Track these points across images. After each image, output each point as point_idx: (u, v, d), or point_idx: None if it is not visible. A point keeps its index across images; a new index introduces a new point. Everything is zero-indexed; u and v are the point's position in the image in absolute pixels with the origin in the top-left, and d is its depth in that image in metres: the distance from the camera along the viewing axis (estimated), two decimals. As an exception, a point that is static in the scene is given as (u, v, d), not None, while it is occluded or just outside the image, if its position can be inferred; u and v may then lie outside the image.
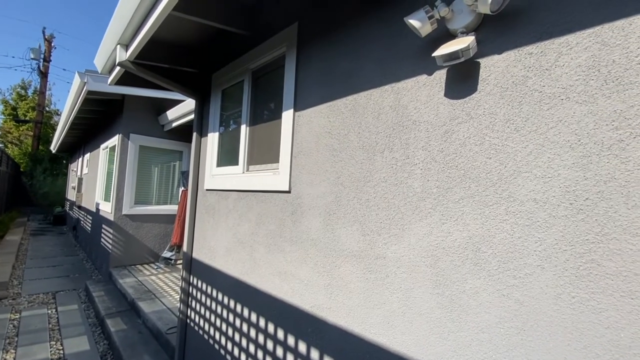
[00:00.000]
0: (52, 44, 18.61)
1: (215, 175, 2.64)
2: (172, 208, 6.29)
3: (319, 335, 1.56)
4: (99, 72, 3.06)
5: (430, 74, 1.24)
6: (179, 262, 6.08)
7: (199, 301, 2.65)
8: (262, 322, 1.94)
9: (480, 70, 1.11)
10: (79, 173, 10.16)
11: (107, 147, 6.70)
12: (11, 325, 3.84)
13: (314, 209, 1.68)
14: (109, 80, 3.00)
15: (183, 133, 6.29)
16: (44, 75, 18.08)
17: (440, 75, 1.21)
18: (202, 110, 2.93)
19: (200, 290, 2.65)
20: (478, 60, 1.12)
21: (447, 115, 1.17)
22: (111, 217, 5.64)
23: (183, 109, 5.31)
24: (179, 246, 6.02)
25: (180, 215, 6.00)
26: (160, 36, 2.48)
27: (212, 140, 2.73)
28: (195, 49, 2.92)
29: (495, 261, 1.01)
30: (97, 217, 6.83)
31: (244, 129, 2.37)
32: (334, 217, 1.56)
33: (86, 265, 6.74)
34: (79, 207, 9.11)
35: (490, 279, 1.01)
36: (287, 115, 1.91)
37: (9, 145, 19.33)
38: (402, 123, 1.31)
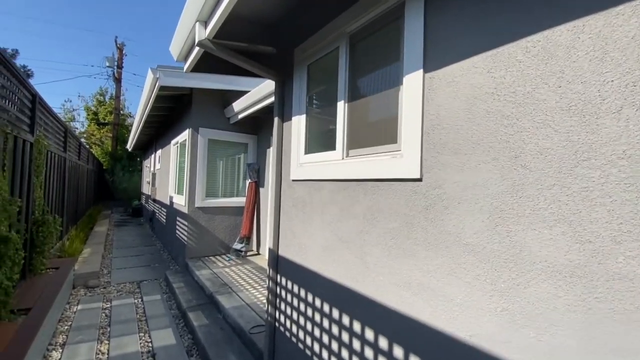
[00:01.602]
0: (124, 52, 20.28)
1: (303, 164, 2.31)
2: (239, 200, 6.27)
3: (487, 377, 1.12)
4: (175, 59, 2.91)
5: None
6: (249, 253, 6.06)
7: (290, 304, 2.37)
8: (383, 343, 1.56)
9: None
10: (152, 169, 10.86)
11: (177, 143, 6.90)
12: (104, 315, 4.01)
13: (467, 203, 1.23)
14: (186, 66, 2.83)
15: (248, 125, 6.20)
16: (118, 81, 19.82)
17: None
18: (283, 92, 2.61)
19: (291, 292, 2.36)
20: None
21: None
22: (185, 210, 5.77)
23: (249, 100, 5.15)
24: (248, 238, 6.00)
25: (249, 208, 5.95)
26: (238, 11, 2.18)
27: (298, 123, 2.39)
28: (273, 25, 2.61)
29: None
30: (171, 210, 7.11)
31: (341, 106, 1.98)
32: (509, 215, 1.09)
33: (163, 255, 7.08)
34: (154, 200, 9.72)
35: None
36: (412, 79, 1.47)
37: (93, 146, 21.70)
38: (674, 59, 0.79)
